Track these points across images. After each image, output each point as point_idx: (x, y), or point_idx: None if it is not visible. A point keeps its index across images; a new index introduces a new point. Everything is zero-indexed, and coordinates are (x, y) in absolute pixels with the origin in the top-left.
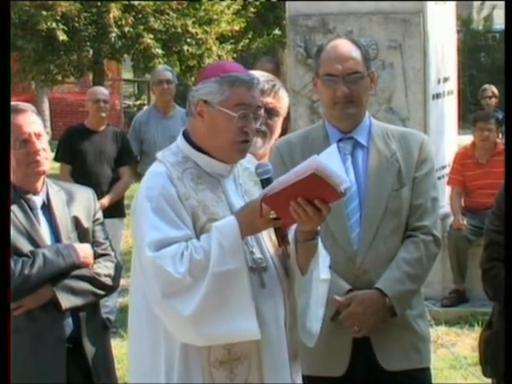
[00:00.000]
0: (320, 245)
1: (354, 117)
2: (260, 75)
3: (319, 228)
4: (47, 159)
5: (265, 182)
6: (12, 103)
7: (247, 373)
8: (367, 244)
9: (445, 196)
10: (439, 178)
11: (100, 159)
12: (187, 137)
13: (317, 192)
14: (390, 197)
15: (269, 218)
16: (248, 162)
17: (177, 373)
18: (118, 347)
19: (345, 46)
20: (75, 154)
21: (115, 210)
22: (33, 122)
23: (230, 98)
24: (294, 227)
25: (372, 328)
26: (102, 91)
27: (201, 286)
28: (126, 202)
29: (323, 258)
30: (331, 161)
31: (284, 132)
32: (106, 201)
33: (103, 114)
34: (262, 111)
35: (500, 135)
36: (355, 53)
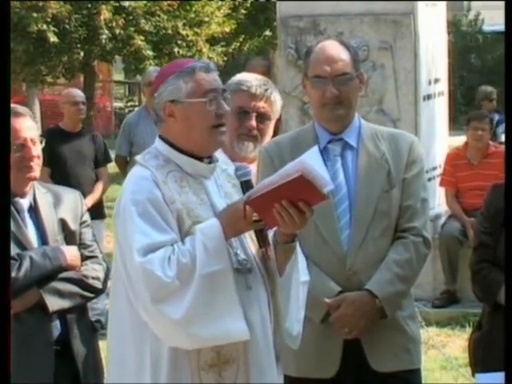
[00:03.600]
0: (298, 247)
1: (344, 118)
2: (253, 78)
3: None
4: (39, 166)
5: (244, 185)
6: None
7: (235, 375)
8: (357, 245)
9: (435, 197)
10: (430, 179)
11: (80, 161)
12: (164, 139)
13: (301, 194)
14: (380, 198)
15: (252, 219)
16: (225, 164)
17: (164, 376)
18: None
19: (333, 48)
20: (54, 156)
21: (96, 212)
22: (30, 128)
23: (195, 87)
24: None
25: (362, 329)
26: (79, 93)
27: (189, 289)
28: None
29: (301, 261)
30: (313, 162)
31: (275, 133)
32: (88, 202)
33: (82, 116)
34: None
35: (498, 138)
36: (344, 54)
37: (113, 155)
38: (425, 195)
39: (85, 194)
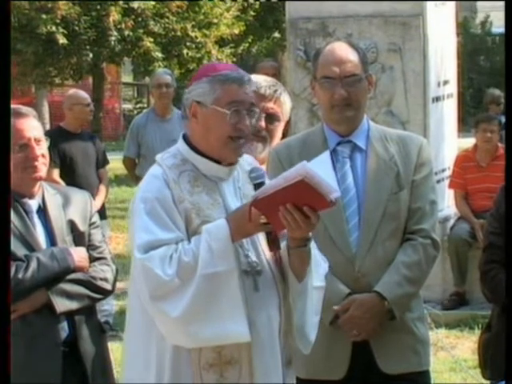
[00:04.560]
0: (315, 252)
1: (352, 120)
2: (262, 80)
3: (310, 235)
4: (45, 165)
5: (258, 187)
6: (13, 106)
7: (238, 376)
8: (366, 247)
9: (444, 199)
10: (439, 181)
11: (86, 161)
12: (187, 139)
13: (306, 199)
14: (389, 200)
15: (259, 222)
16: (249, 165)
17: (168, 374)
18: (118, 350)
19: (342, 49)
20: (63, 156)
21: (99, 213)
22: (33, 127)
23: (222, 96)
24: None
25: (371, 331)
26: (86, 95)
27: (189, 287)
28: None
29: (318, 265)
30: (323, 168)
31: (284, 135)
32: (98, 203)
33: (91, 117)
34: (257, 108)
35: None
36: (353, 56)
37: (121, 156)
38: (433, 197)
39: (92, 195)
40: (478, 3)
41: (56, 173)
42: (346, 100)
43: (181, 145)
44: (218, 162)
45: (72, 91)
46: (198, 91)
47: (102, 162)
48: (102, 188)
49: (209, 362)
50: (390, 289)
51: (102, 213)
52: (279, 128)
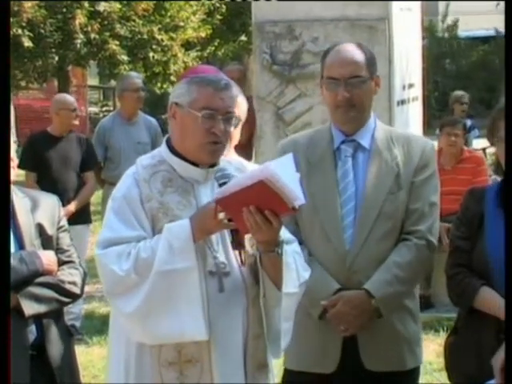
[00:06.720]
0: (289, 260)
1: (356, 120)
2: None
3: (281, 239)
4: (13, 168)
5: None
6: None
7: (199, 375)
8: (359, 245)
9: None
10: None
11: (66, 165)
12: (169, 141)
13: (268, 202)
14: (386, 200)
15: (221, 218)
16: (237, 171)
17: (133, 372)
18: (83, 354)
19: (348, 50)
20: (40, 160)
21: (81, 217)
22: None
23: (198, 99)
24: None
25: (359, 328)
26: (73, 99)
27: (144, 284)
28: (92, 208)
29: (291, 271)
30: (284, 171)
31: (250, 138)
32: (72, 207)
33: (77, 122)
34: (235, 114)
35: (470, 144)
36: (358, 57)
37: None
38: (434, 199)
39: (70, 199)
40: (447, 5)
41: (32, 177)
42: (349, 101)
43: (163, 146)
44: (195, 164)
45: (59, 96)
46: (176, 92)
47: (90, 164)
48: (84, 191)
49: (168, 359)
50: (378, 287)
51: (85, 217)
52: (237, 129)
